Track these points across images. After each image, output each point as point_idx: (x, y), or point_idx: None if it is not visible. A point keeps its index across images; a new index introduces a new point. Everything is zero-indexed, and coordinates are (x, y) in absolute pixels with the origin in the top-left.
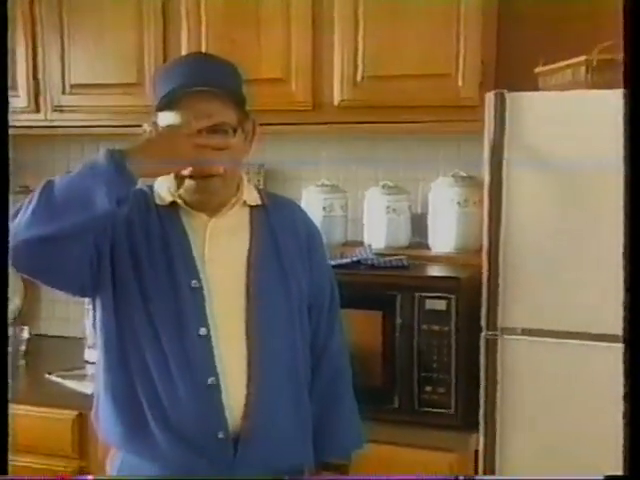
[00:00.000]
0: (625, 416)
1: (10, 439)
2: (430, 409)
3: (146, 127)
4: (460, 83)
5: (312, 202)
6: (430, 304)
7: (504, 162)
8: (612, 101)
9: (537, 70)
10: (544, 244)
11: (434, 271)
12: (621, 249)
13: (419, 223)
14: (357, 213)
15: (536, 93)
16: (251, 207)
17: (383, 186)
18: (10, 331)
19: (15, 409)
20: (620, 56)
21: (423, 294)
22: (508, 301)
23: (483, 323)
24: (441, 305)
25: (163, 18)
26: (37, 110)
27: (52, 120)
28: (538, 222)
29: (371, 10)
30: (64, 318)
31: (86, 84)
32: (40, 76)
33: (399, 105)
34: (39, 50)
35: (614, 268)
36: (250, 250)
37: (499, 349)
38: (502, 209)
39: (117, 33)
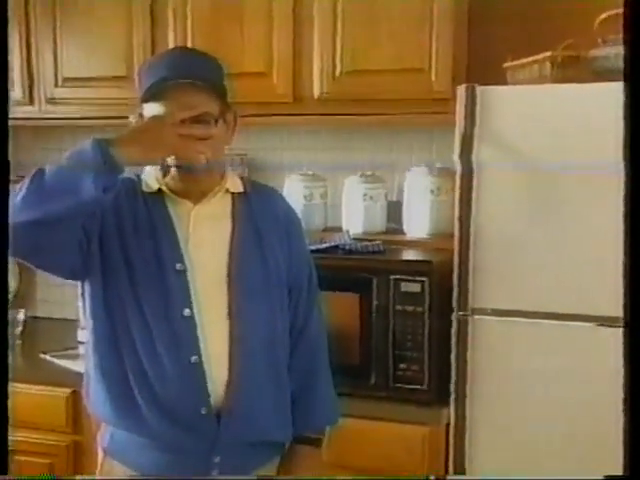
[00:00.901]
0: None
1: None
2: (404, 385)
3: (132, 119)
4: (433, 77)
5: (293, 190)
6: (405, 286)
7: (474, 151)
8: (576, 95)
9: (506, 65)
10: (512, 229)
11: (409, 255)
12: (586, 231)
13: (395, 210)
14: (336, 200)
15: (505, 87)
16: (233, 194)
17: (361, 175)
18: None
19: (12, 387)
20: (582, 53)
21: (398, 277)
22: (478, 283)
23: (455, 304)
24: (415, 287)
25: (151, 14)
26: (31, 102)
27: (46, 112)
28: (506, 208)
29: (349, 8)
30: (58, 301)
31: (78, 77)
32: (34, 70)
33: (376, 98)
34: (33, 45)
35: (579, 250)
36: (232, 235)
37: (470, 328)
38: (472, 196)
39: (107, 29)
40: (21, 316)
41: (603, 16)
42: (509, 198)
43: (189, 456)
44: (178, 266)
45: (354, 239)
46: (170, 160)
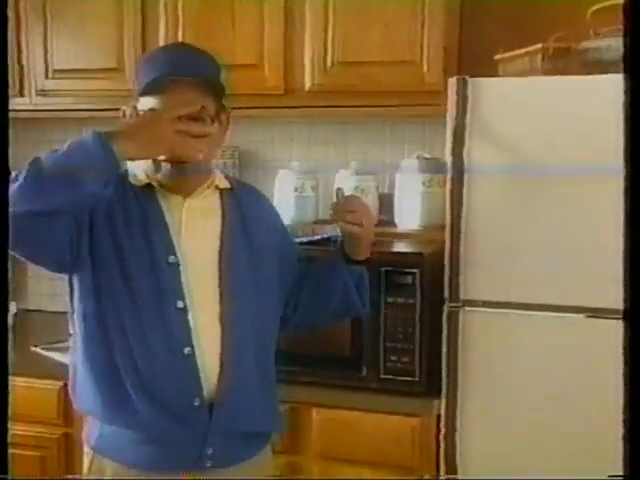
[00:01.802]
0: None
1: None
2: (395, 377)
3: (125, 109)
4: (425, 69)
5: (285, 183)
6: (396, 278)
7: (466, 143)
8: (567, 86)
9: (497, 57)
10: (503, 221)
11: (400, 247)
12: (577, 222)
13: (386, 202)
14: (327, 193)
15: (496, 79)
16: (222, 190)
17: (352, 167)
18: None
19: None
20: (573, 45)
21: (389, 269)
22: (469, 275)
23: (446, 296)
24: (406, 279)
25: (142, 6)
26: (22, 94)
27: (36, 104)
28: (497, 200)
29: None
30: (50, 293)
31: (68, 69)
32: (24, 62)
33: (367, 90)
34: (23, 36)
35: (571, 241)
36: (222, 228)
37: (460, 320)
38: (464, 188)
39: (98, 20)
40: (12, 309)
41: (595, 8)
42: (500, 189)
43: (181, 448)
44: (171, 258)
45: None
46: (163, 155)
